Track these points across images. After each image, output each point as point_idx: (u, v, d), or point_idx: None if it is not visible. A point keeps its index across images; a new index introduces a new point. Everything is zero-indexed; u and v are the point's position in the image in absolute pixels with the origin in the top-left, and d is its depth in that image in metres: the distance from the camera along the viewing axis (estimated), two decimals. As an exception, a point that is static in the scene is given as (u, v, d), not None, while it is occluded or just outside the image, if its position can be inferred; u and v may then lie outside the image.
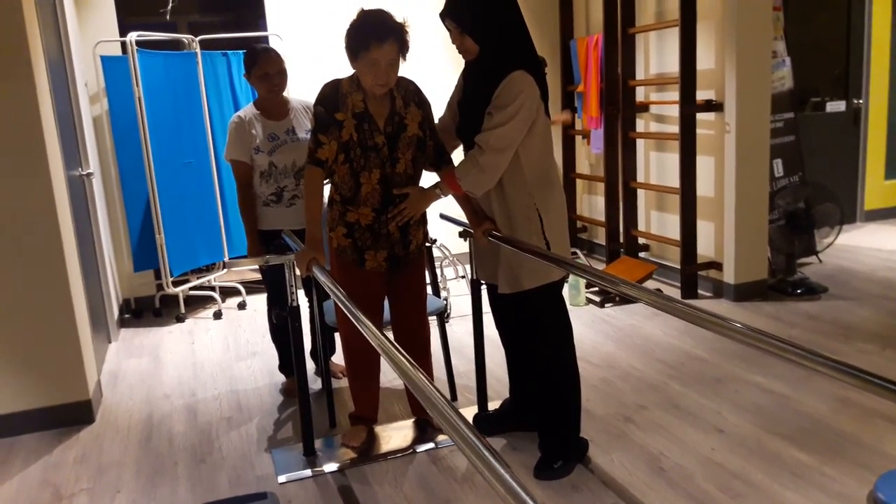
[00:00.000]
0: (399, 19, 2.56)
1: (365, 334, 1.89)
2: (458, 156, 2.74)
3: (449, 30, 2.63)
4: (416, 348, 2.99)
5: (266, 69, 3.25)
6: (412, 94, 2.75)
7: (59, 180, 3.37)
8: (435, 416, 1.39)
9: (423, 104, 2.77)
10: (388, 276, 2.86)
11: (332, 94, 2.65)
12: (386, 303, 2.98)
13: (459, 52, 2.66)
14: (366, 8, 2.59)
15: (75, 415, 3.38)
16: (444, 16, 2.61)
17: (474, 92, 2.67)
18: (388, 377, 3.63)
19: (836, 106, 6.44)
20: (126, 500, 2.73)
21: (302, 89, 4.86)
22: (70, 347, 3.34)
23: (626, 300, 4.74)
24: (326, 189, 2.82)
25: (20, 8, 3.09)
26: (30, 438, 3.28)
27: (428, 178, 2.74)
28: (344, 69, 2.65)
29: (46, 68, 3.45)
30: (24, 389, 3.30)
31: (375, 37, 2.49)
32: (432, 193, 2.77)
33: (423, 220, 2.89)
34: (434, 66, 5.36)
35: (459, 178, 2.64)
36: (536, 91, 2.57)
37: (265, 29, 5.30)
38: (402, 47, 2.56)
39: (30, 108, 3.15)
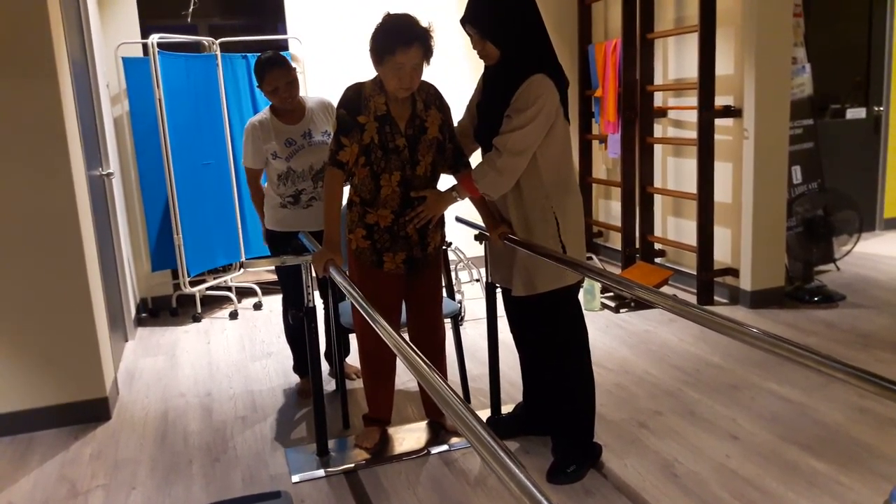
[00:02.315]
0: (424, 24, 2.58)
1: (381, 334, 1.90)
2: (475, 159, 2.74)
3: (470, 35, 2.64)
4: (432, 350, 3.00)
5: (275, 84, 3.23)
6: (433, 98, 2.76)
7: (80, 180, 3.41)
8: (450, 417, 1.39)
9: (444, 108, 2.79)
10: (406, 277, 2.87)
11: (354, 97, 2.67)
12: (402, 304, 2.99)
13: (481, 58, 2.67)
14: (392, 12, 2.60)
15: (92, 412, 3.41)
16: (465, 22, 2.62)
17: (493, 95, 2.68)
18: (402, 379, 3.64)
19: (856, 113, 6.39)
20: (141, 496, 2.75)
21: (321, 92, 4.88)
22: (88, 345, 3.38)
23: (640, 305, 4.73)
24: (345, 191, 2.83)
25: (45, 9, 3.13)
26: (47, 434, 3.32)
27: (445, 181, 2.75)
28: (363, 71, 2.67)
29: (70, 69, 3.49)
30: (43, 386, 3.34)
31: (402, 41, 2.50)
32: (449, 196, 2.77)
33: (441, 223, 2.90)
34: (453, 70, 5.37)
35: (477, 181, 2.65)
36: (556, 94, 2.57)
37: (285, 32, 5.33)
38: (427, 52, 2.57)
39: (53, 107, 3.19)
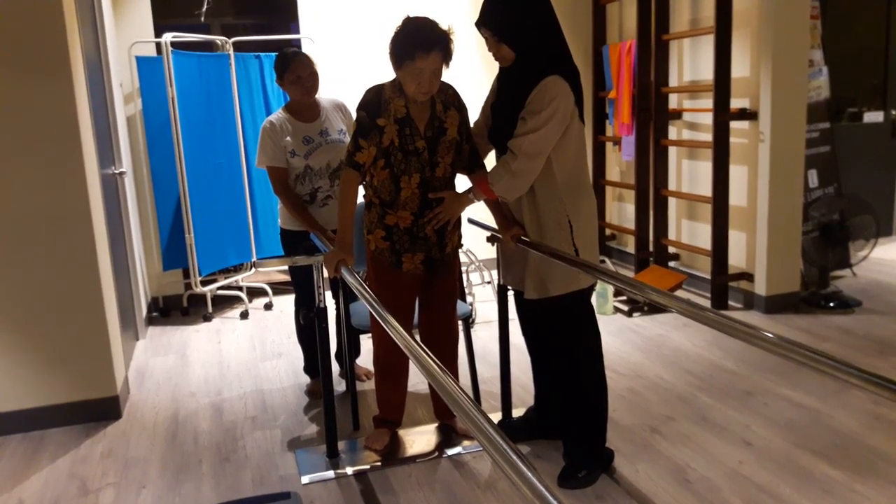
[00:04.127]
0: (444, 27, 2.56)
1: (392, 335, 1.90)
2: (489, 160, 2.73)
3: (485, 38, 2.62)
4: (445, 351, 2.99)
5: (298, 73, 3.26)
6: (451, 99, 2.75)
7: (93, 178, 3.41)
8: (462, 419, 1.38)
9: (462, 109, 2.78)
10: (423, 278, 2.87)
11: (374, 99, 2.66)
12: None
13: (496, 59, 2.66)
14: (411, 15, 2.59)
15: (103, 410, 3.42)
16: (480, 24, 2.61)
17: (508, 96, 2.66)
18: (412, 381, 3.62)
19: (873, 116, 6.33)
20: (151, 495, 2.75)
21: (334, 92, 4.87)
22: (99, 344, 3.38)
23: (654, 309, 4.70)
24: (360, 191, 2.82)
25: (61, 8, 3.14)
26: (58, 432, 3.32)
27: (461, 182, 2.74)
28: (376, 71, 2.66)
29: (84, 68, 3.50)
30: (54, 384, 3.35)
31: (422, 46, 2.49)
32: (466, 198, 2.77)
33: (458, 223, 2.90)
34: (469, 71, 5.35)
35: (492, 183, 2.63)
36: (571, 97, 2.54)
37: (297, 32, 5.34)
38: (447, 56, 2.56)
39: (67, 106, 3.20)
